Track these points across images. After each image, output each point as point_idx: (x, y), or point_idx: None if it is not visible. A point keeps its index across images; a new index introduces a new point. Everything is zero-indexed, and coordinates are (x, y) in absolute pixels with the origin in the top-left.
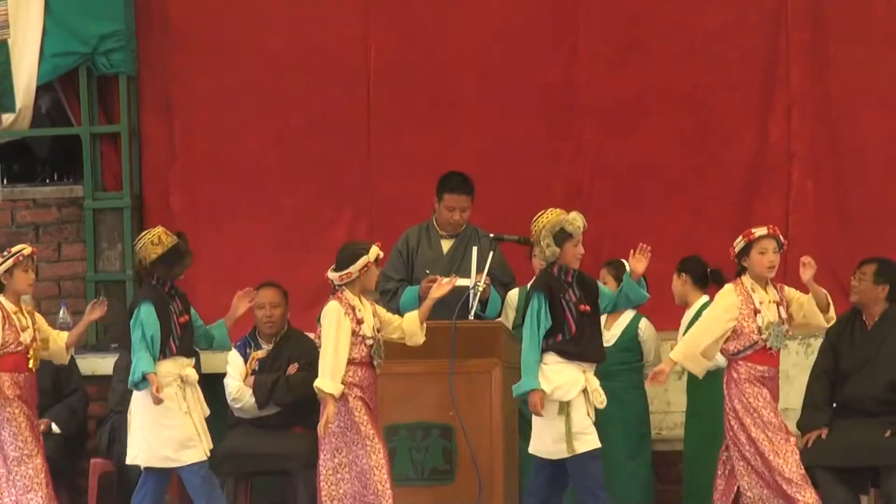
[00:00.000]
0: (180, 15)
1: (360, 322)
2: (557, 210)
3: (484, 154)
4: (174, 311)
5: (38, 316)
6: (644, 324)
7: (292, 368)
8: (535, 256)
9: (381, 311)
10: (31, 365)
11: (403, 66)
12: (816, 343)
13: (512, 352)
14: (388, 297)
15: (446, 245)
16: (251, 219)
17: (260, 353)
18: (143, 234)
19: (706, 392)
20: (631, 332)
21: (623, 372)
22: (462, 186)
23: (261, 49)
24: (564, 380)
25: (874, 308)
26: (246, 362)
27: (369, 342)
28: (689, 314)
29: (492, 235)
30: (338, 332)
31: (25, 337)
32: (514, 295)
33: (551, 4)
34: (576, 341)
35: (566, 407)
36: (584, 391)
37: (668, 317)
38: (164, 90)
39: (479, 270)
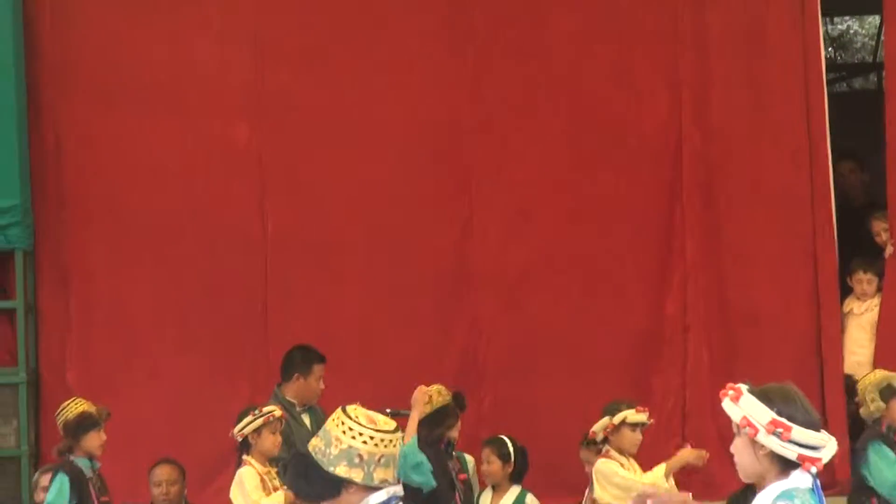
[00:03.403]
0: (76, 188)
1: None
2: (884, 370)
3: (377, 324)
4: (453, 469)
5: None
6: (530, 499)
7: None
8: None
9: None
10: None
11: (299, 238)
12: None
13: None
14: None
15: (306, 419)
16: (147, 391)
17: None
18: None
19: None
20: None
21: None
22: (323, 356)
23: (157, 219)
24: None
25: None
26: None
27: None
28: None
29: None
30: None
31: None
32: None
33: (444, 174)
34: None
35: None
36: None
37: (554, 490)
38: (61, 264)
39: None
